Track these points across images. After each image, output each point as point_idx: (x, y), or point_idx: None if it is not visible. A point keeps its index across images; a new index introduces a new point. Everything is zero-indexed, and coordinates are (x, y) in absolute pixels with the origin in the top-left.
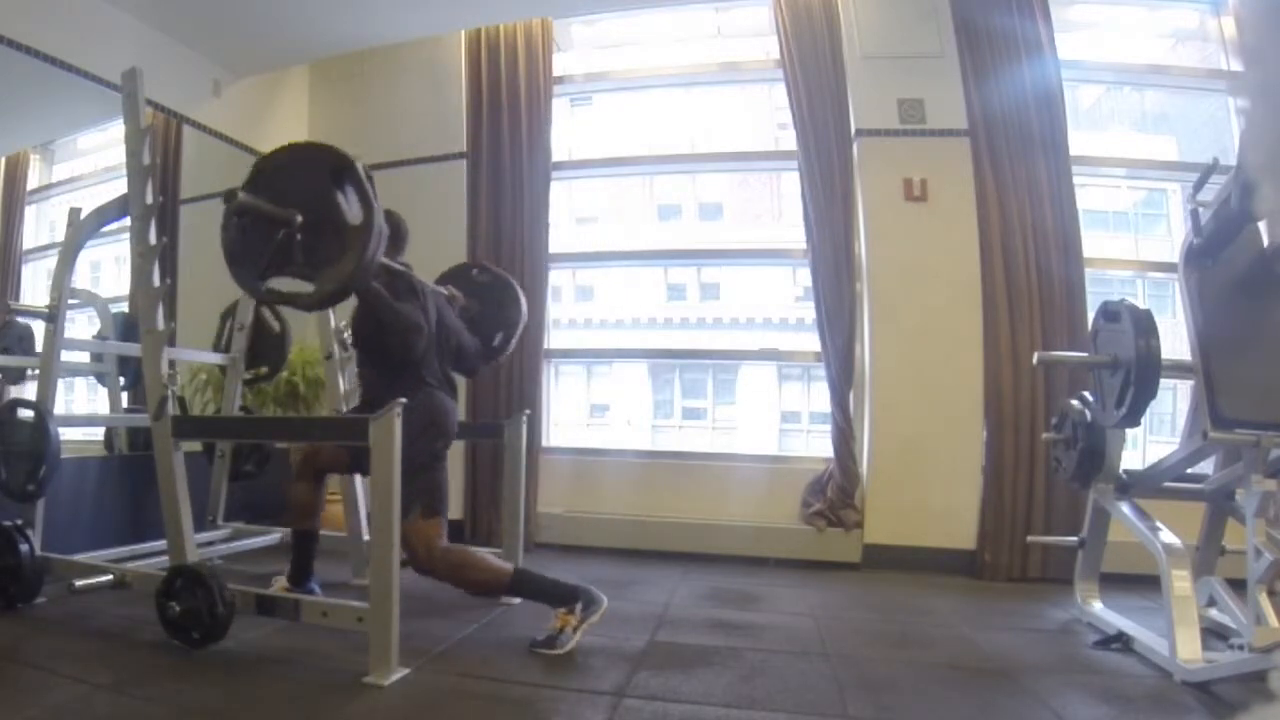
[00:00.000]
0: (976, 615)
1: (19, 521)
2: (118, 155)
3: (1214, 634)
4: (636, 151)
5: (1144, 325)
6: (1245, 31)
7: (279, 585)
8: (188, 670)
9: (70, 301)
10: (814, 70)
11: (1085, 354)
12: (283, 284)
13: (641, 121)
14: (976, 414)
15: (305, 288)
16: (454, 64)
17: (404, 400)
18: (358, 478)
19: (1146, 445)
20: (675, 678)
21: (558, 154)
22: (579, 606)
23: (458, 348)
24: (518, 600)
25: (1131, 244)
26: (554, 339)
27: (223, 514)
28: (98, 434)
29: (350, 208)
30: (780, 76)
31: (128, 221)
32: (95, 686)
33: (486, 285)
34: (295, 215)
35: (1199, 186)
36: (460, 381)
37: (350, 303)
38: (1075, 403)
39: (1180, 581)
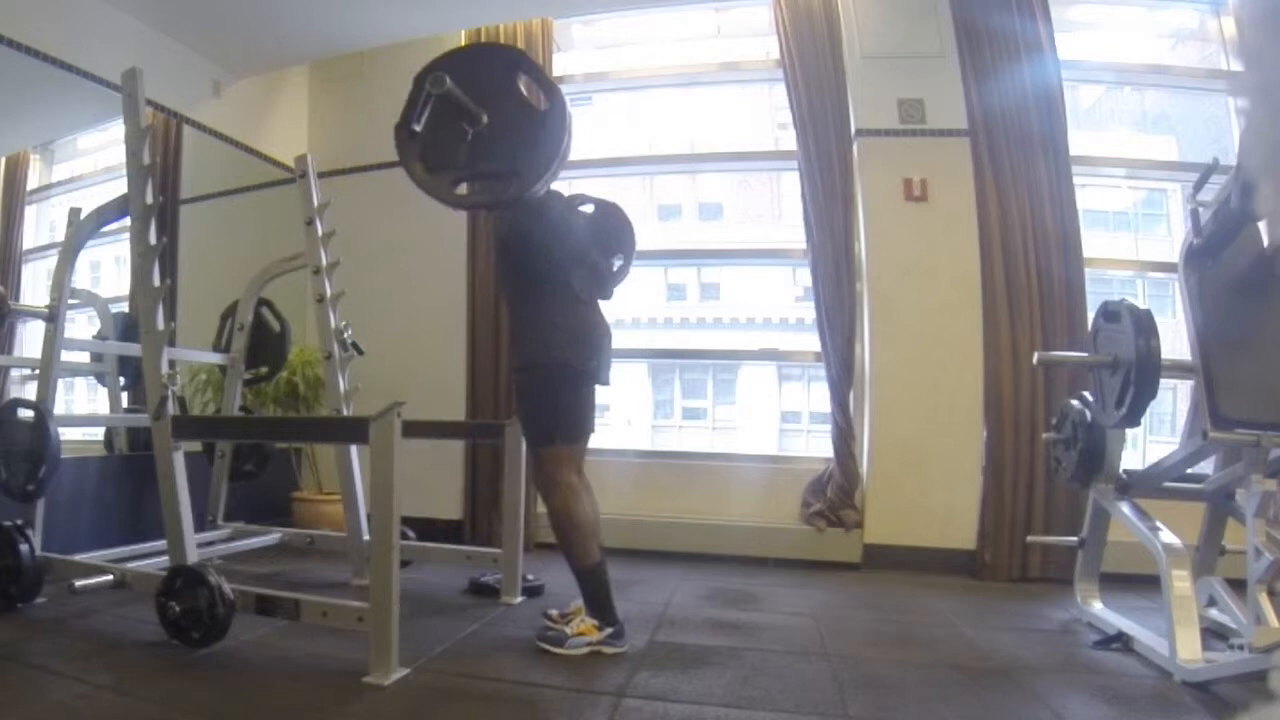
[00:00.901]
0: (976, 615)
1: (19, 521)
2: (118, 155)
3: (1214, 634)
4: (636, 151)
5: (1144, 325)
6: (1245, 31)
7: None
8: (188, 670)
9: (70, 301)
10: (814, 70)
11: (1085, 354)
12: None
13: (641, 121)
14: (976, 414)
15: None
16: None
17: (401, 403)
18: (358, 477)
19: (1146, 445)
20: (675, 678)
21: None
22: (609, 632)
23: (595, 269)
24: (518, 600)
25: (1131, 244)
26: None
27: (223, 514)
28: (98, 434)
29: (533, 96)
30: (780, 76)
31: (128, 221)
32: (95, 686)
33: (592, 215)
34: (483, 114)
35: (1199, 186)
36: None
37: (350, 308)
38: (1075, 403)
39: (1180, 581)
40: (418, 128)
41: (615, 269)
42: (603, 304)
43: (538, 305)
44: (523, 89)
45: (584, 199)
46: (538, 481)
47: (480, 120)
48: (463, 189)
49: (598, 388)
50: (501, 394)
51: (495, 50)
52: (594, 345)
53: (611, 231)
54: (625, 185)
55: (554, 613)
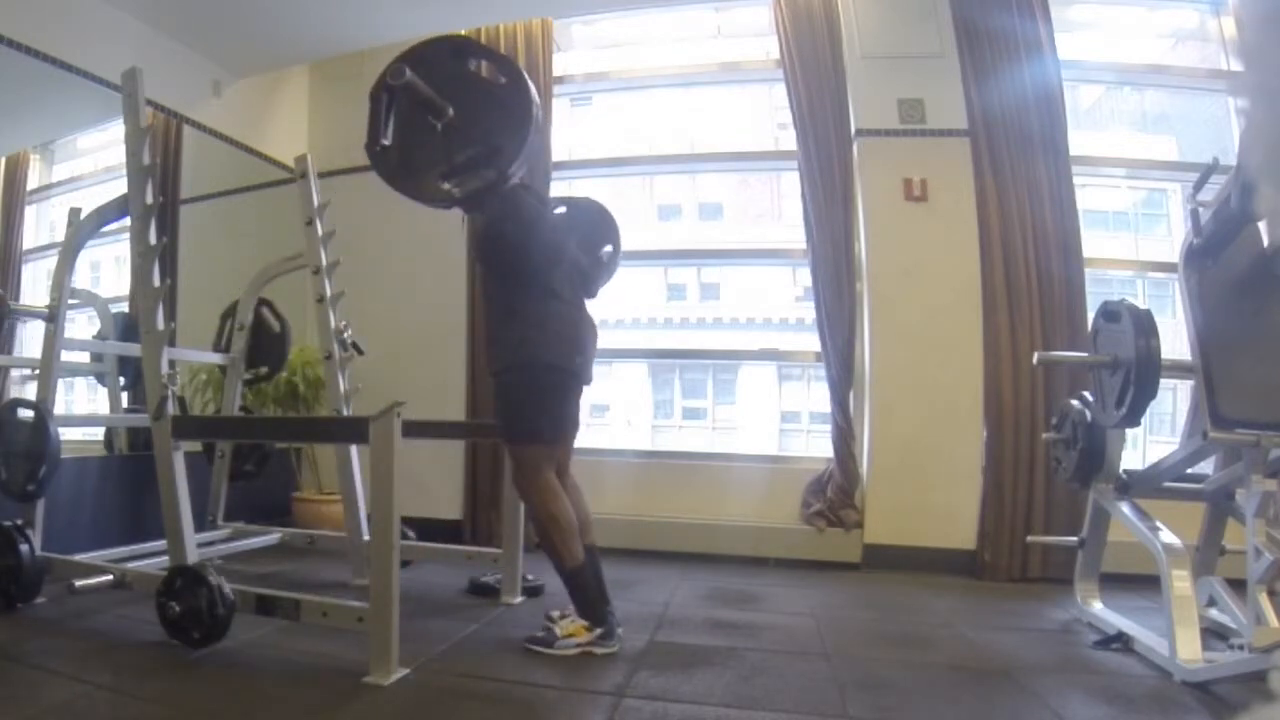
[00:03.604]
0: (976, 615)
1: (19, 521)
2: (118, 155)
3: (1214, 634)
4: (636, 151)
5: (1144, 325)
6: (1245, 31)
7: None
8: (188, 670)
9: (70, 301)
10: (814, 70)
11: (1085, 354)
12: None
13: (641, 121)
14: (976, 414)
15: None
16: None
17: (401, 402)
18: (358, 477)
19: (1146, 445)
20: (675, 678)
21: (558, 154)
22: (599, 632)
23: (577, 266)
24: (519, 600)
25: (1131, 244)
26: None
27: (223, 514)
28: (98, 434)
29: (490, 74)
30: (780, 76)
31: (128, 221)
32: (95, 686)
33: (569, 213)
34: (448, 107)
35: (1199, 186)
36: None
37: (350, 308)
38: (1075, 403)
39: (1180, 581)
40: (386, 141)
41: (605, 260)
42: (590, 302)
43: (520, 305)
44: (478, 70)
45: (558, 200)
46: (517, 482)
47: (446, 112)
48: (450, 185)
49: (585, 388)
50: None
51: (438, 42)
52: (579, 344)
53: (594, 223)
54: (625, 185)
55: (555, 613)
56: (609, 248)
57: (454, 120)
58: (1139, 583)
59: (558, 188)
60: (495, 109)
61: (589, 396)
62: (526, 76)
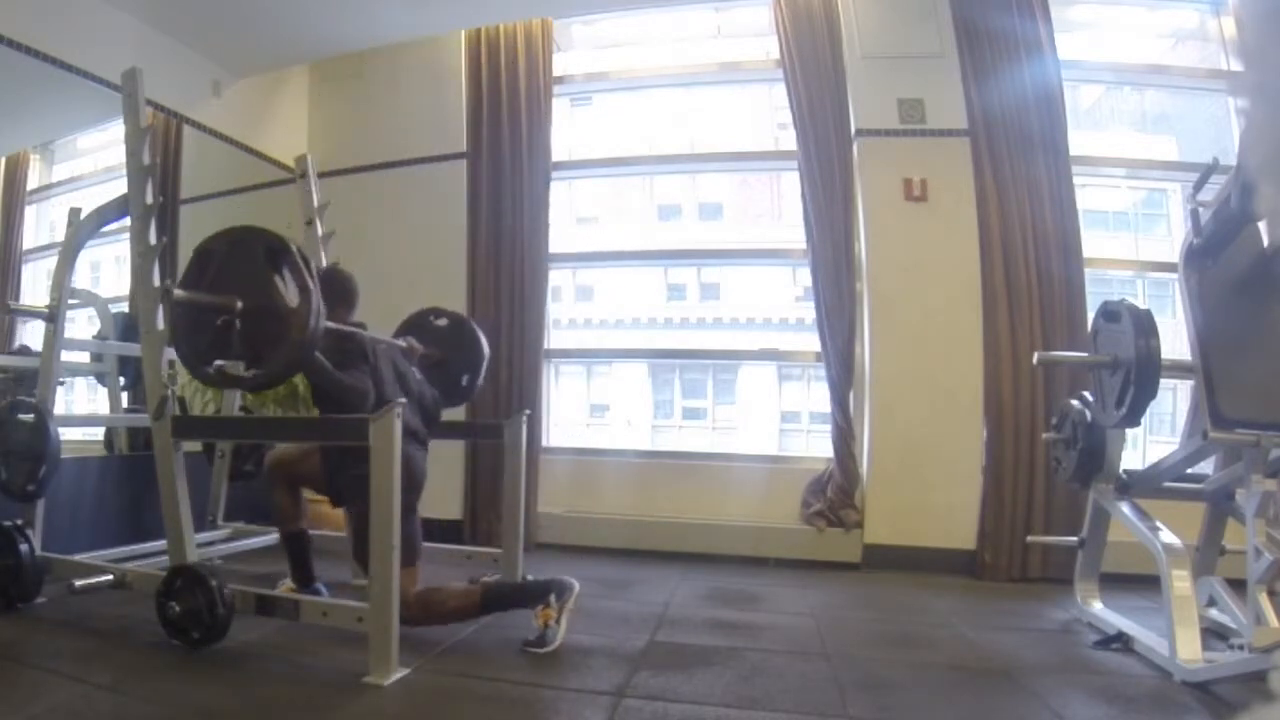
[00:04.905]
0: (976, 615)
1: (19, 521)
2: (118, 155)
3: (1214, 634)
4: (636, 151)
5: (1144, 325)
6: (1245, 31)
7: (284, 587)
8: (188, 670)
9: (70, 301)
10: (814, 70)
11: (1085, 354)
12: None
13: (641, 121)
14: (976, 414)
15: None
16: (454, 64)
17: (402, 401)
18: None
19: (1146, 445)
20: (675, 678)
21: (558, 154)
22: (552, 598)
23: (419, 400)
24: None
25: (1131, 244)
26: (554, 339)
27: (223, 514)
28: (98, 434)
29: (289, 290)
30: (780, 76)
31: (128, 221)
32: (95, 686)
33: (444, 329)
34: (235, 302)
35: (1199, 186)
36: None
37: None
38: (1075, 403)
39: (1180, 581)
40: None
41: (464, 384)
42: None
43: (358, 452)
44: (279, 282)
45: (437, 314)
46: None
47: (232, 308)
48: (213, 369)
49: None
50: (502, 393)
51: (261, 238)
52: (411, 480)
53: (461, 345)
54: (625, 185)
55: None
56: (467, 376)
57: (238, 317)
58: (1139, 583)
59: (558, 188)
60: (274, 326)
61: (587, 396)
62: (317, 305)
